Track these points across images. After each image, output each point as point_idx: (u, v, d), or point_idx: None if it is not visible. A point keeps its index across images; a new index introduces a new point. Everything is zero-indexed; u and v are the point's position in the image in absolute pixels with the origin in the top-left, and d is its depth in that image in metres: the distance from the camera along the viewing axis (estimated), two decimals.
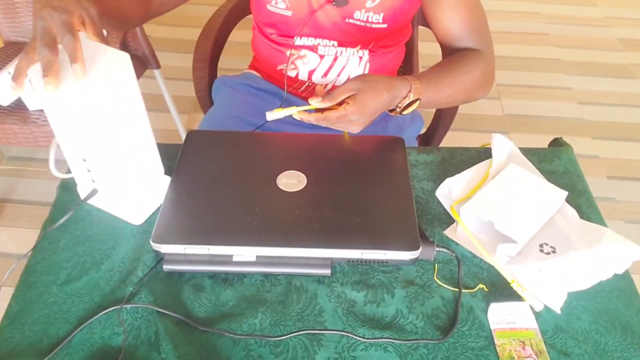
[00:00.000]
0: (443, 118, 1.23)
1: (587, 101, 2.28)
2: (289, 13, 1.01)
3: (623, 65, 2.48)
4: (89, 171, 0.77)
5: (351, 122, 0.82)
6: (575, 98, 2.30)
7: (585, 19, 2.77)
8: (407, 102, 0.87)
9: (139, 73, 1.66)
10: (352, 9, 0.98)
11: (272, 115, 0.81)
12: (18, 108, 1.44)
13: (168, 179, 0.84)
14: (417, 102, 0.88)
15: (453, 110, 1.20)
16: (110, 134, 0.72)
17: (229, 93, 1.17)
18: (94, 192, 0.81)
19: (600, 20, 2.77)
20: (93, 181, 0.79)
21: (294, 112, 0.81)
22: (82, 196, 0.83)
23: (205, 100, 1.27)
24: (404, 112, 0.89)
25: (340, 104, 0.82)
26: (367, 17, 0.99)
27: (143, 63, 1.67)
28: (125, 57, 0.69)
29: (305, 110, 0.82)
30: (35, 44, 0.64)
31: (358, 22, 1.00)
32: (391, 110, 0.88)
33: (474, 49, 0.97)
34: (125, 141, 0.75)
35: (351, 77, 1.10)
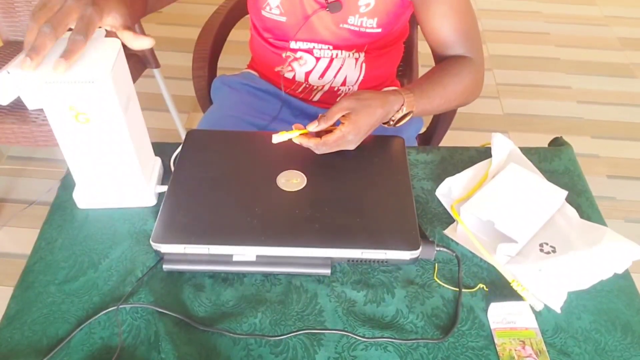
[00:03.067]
0: (443, 118, 1.23)
1: (586, 100, 2.28)
2: (283, 19, 1.01)
3: (623, 64, 2.48)
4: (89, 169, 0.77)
5: (348, 141, 0.83)
6: (575, 97, 2.30)
7: (585, 18, 2.78)
8: (400, 115, 0.88)
9: (139, 72, 1.65)
10: (345, 15, 0.99)
11: (278, 137, 0.83)
12: (17, 108, 1.44)
13: (159, 160, 0.86)
14: (410, 114, 0.89)
15: (453, 110, 1.20)
16: (105, 126, 0.72)
17: (228, 92, 1.17)
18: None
19: (600, 19, 2.77)
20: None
21: (297, 134, 0.83)
22: (77, 199, 0.83)
23: (205, 100, 1.27)
24: (397, 125, 0.90)
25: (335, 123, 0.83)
26: (361, 22, 0.99)
27: (142, 62, 1.67)
28: (117, 43, 0.69)
29: (304, 134, 0.83)
30: (42, 14, 0.62)
31: (352, 27, 1.00)
32: (385, 123, 0.89)
33: (464, 56, 0.98)
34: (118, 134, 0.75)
35: (348, 78, 1.10)
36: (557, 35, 2.65)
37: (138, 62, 1.64)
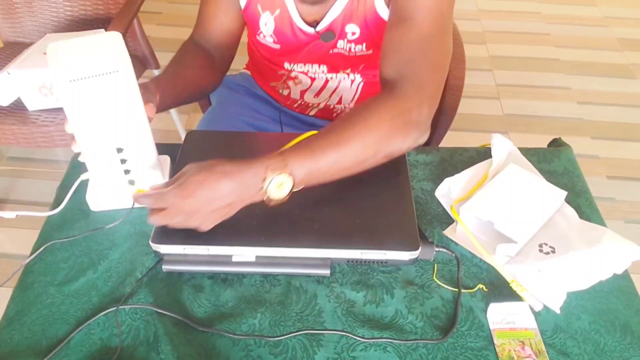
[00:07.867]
0: (443, 118, 1.23)
1: (586, 101, 2.28)
2: (277, 46, 1.01)
3: (622, 65, 2.48)
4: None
5: (177, 208, 0.68)
6: (574, 98, 2.30)
7: (584, 18, 2.78)
8: (267, 184, 0.68)
9: (139, 73, 1.66)
10: (334, 40, 0.97)
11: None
12: (18, 108, 1.44)
13: (167, 158, 0.86)
14: (291, 181, 0.69)
15: (453, 111, 1.20)
16: (127, 115, 0.72)
17: (228, 93, 1.17)
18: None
19: (599, 20, 2.77)
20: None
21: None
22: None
23: (204, 100, 1.27)
24: (278, 197, 0.70)
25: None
26: (350, 47, 0.98)
27: (142, 63, 1.67)
28: (118, 35, 0.70)
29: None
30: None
31: (343, 52, 0.99)
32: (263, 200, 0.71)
33: (388, 88, 0.78)
34: (123, 131, 0.75)
35: (344, 97, 1.10)
36: (557, 36, 2.65)
37: (138, 63, 1.64)
